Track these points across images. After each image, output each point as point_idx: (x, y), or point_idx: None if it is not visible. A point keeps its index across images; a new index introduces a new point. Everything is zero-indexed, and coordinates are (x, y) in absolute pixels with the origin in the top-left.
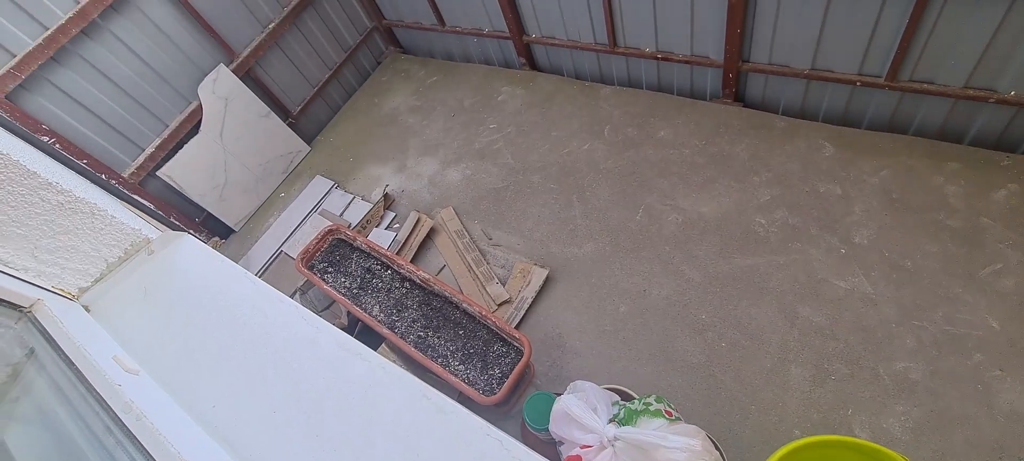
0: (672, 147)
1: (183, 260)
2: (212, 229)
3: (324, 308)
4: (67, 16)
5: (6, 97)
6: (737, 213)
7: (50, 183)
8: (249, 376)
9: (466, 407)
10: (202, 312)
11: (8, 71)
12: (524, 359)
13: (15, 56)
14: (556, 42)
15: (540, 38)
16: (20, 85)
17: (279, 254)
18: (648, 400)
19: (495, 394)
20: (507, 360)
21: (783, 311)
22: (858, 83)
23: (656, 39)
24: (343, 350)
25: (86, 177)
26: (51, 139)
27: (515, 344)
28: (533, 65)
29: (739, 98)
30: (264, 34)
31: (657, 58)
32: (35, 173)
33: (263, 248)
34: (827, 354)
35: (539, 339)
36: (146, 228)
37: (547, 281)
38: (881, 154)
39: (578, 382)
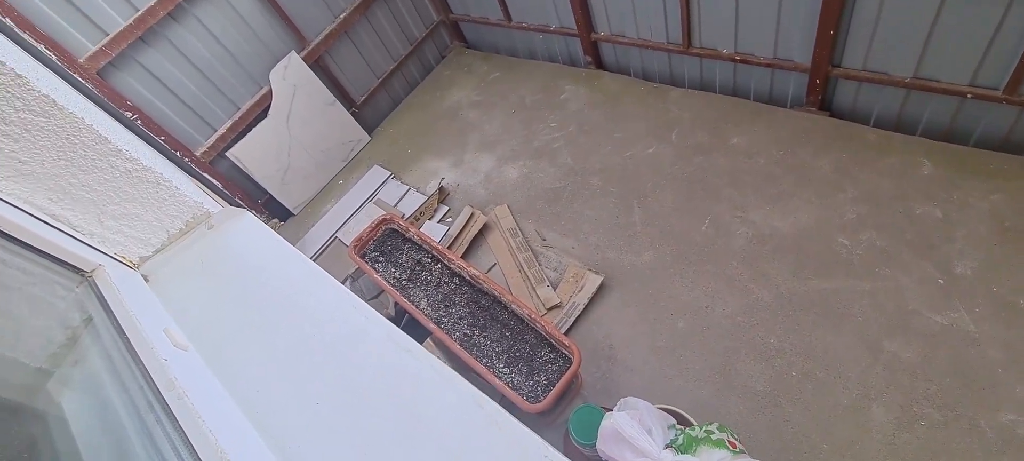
0: (746, 156)
1: (242, 237)
2: (272, 211)
3: (372, 297)
4: None
5: (97, 73)
6: (817, 231)
7: (120, 150)
8: (297, 362)
9: (508, 411)
10: (256, 290)
11: (100, 49)
12: (573, 368)
13: (107, 35)
14: (625, 40)
15: (609, 36)
16: (110, 62)
17: (334, 240)
18: (710, 427)
19: (540, 402)
20: (554, 367)
21: (866, 343)
22: (969, 95)
23: (735, 39)
24: (393, 345)
25: (162, 153)
26: (134, 115)
27: (564, 351)
28: (599, 64)
29: (825, 106)
30: (335, 23)
31: (735, 60)
32: (106, 139)
33: (319, 233)
34: (916, 396)
35: (589, 348)
36: (208, 202)
37: (601, 288)
38: (992, 176)
39: (630, 399)
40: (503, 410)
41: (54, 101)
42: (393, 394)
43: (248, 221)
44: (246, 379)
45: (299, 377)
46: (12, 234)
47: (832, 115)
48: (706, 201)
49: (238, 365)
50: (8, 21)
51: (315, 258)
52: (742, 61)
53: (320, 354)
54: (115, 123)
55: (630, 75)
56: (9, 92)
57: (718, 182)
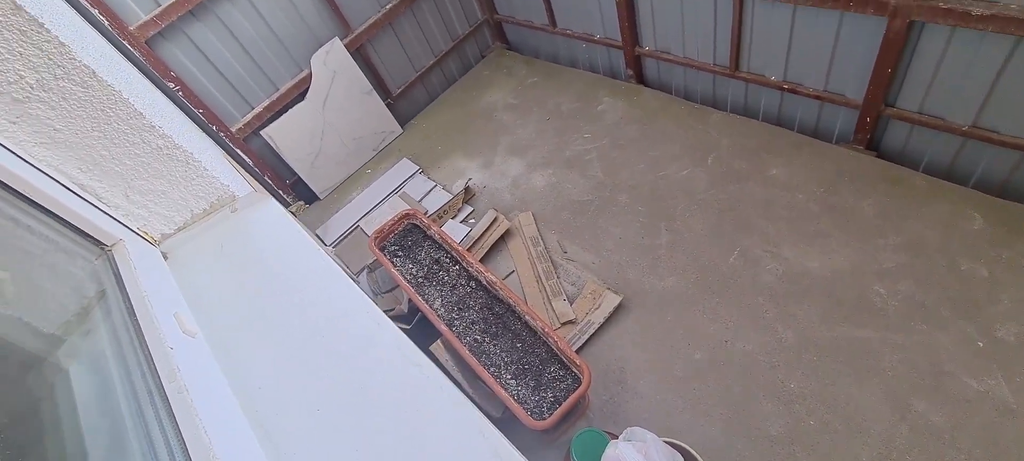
0: (784, 189)
1: (263, 223)
2: (299, 193)
3: (388, 290)
4: None
5: (145, 42)
6: (851, 275)
7: (154, 126)
8: (302, 361)
9: (511, 424)
10: (270, 281)
11: (151, 18)
12: (581, 389)
13: (160, 5)
14: (670, 57)
15: (653, 51)
16: (159, 32)
17: (355, 228)
18: None
19: (544, 419)
20: (562, 385)
21: (892, 400)
22: None
23: (785, 68)
24: (401, 355)
25: (199, 126)
26: (176, 86)
27: (573, 369)
28: (640, 78)
29: (873, 146)
30: (380, 13)
31: (783, 88)
32: (141, 114)
33: (342, 219)
34: None
35: (599, 369)
36: (235, 185)
37: (618, 308)
38: None
39: (636, 429)
40: (506, 441)
41: (94, 72)
42: (395, 409)
43: (271, 208)
44: (250, 373)
45: (302, 378)
46: (38, 200)
47: (880, 156)
48: (737, 231)
49: (244, 357)
50: None
51: (336, 244)
52: (790, 90)
53: (325, 356)
54: (152, 98)
55: (671, 93)
56: (51, 59)
57: (752, 213)
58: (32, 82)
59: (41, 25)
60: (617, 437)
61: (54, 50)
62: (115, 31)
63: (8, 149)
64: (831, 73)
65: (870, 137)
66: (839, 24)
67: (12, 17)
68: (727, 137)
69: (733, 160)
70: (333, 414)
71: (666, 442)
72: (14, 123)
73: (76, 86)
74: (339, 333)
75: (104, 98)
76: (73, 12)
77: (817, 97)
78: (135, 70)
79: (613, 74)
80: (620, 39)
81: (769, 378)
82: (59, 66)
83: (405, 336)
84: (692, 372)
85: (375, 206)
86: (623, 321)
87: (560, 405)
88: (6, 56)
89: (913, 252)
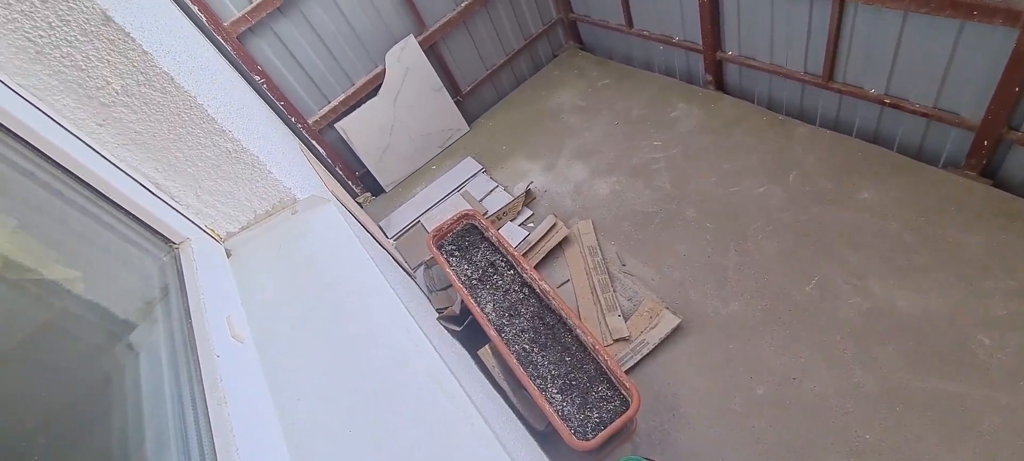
0: (876, 215)
1: (320, 228)
2: (367, 185)
3: (442, 288)
4: None
5: (237, 37)
6: (950, 320)
7: (224, 131)
8: (340, 375)
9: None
10: (321, 287)
11: (243, 15)
12: (629, 414)
13: (252, 3)
14: (755, 64)
15: (736, 56)
16: (249, 29)
17: (417, 223)
18: None
19: (588, 440)
20: (609, 407)
21: None
22: None
23: (888, 80)
24: (434, 383)
25: (280, 117)
26: (262, 79)
27: (622, 391)
28: (720, 85)
29: (988, 173)
30: (456, 12)
31: (883, 103)
32: (213, 119)
33: (405, 213)
34: None
35: (651, 392)
36: (297, 188)
37: (676, 330)
38: None
39: None
40: None
41: (173, 79)
42: (424, 438)
43: (328, 213)
44: (290, 382)
45: (337, 393)
46: (118, 200)
47: (996, 185)
48: (816, 258)
49: (288, 362)
50: None
51: (397, 238)
52: (892, 105)
53: (361, 375)
54: (226, 101)
55: (753, 102)
56: (135, 66)
57: (835, 240)
58: (117, 88)
59: (128, 35)
60: None
61: (139, 58)
62: (211, 27)
63: (95, 150)
64: (944, 88)
65: (986, 163)
66: (958, 35)
67: (103, 28)
68: (813, 153)
69: (818, 179)
70: (364, 435)
71: None
72: (101, 125)
73: (156, 92)
74: (377, 350)
75: (180, 103)
76: (176, 7)
77: (924, 114)
78: (223, 68)
79: (690, 79)
80: (701, 42)
81: (841, 425)
82: (141, 73)
83: (441, 363)
84: (752, 408)
85: (437, 203)
86: (680, 344)
87: (605, 427)
88: (96, 64)
89: None
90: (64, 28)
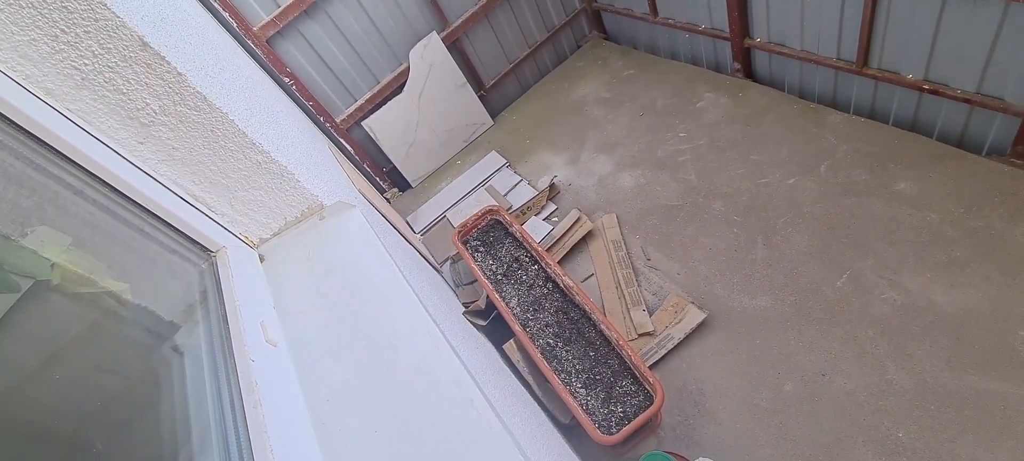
0: (912, 206)
1: (346, 234)
2: (394, 180)
3: (468, 283)
4: None
5: (266, 41)
6: (991, 316)
7: (255, 144)
8: (366, 379)
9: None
10: (347, 292)
11: (271, 19)
12: (653, 408)
13: (279, 6)
14: (784, 50)
15: (765, 43)
16: (277, 32)
17: (442, 218)
18: None
19: (612, 435)
20: (633, 401)
21: None
22: None
23: (927, 65)
24: (458, 389)
25: (309, 117)
26: (291, 81)
27: (646, 386)
28: (748, 73)
29: None
30: (477, 7)
31: (922, 89)
32: (244, 133)
33: (432, 209)
34: None
35: (675, 387)
36: (325, 194)
37: (701, 325)
38: None
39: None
40: None
41: (205, 97)
42: (445, 442)
43: (355, 218)
44: (320, 383)
45: (364, 395)
46: (159, 213)
47: None
48: (848, 252)
49: (318, 364)
50: None
51: (424, 233)
52: (931, 91)
53: (385, 378)
54: (254, 114)
55: (783, 90)
56: (171, 88)
57: (869, 232)
58: (156, 108)
59: (163, 58)
60: None
61: (174, 80)
62: (241, 31)
63: (137, 167)
64: (987, 73)
65: None
66: (1003, 16)
67: (140, 53)
68: (846, 142)
69: (851, 169)
70: (389, 436)
71: None
72: (142, 143)
73: (191, 110)
74: (401, 355)
75: (214, 120)
76: (208, 13)
77: (966, 101)
78: (254, 74)
79: (717, 67)
80: (728, 29)
81: (872, 423)
82: (177, 93)
83: (463, 368)
84: (780, 404)
85: (462, 197)
86: (706, 339)
87: (629, 421)
88: (135, 87)
89: None
90: (106, 56)
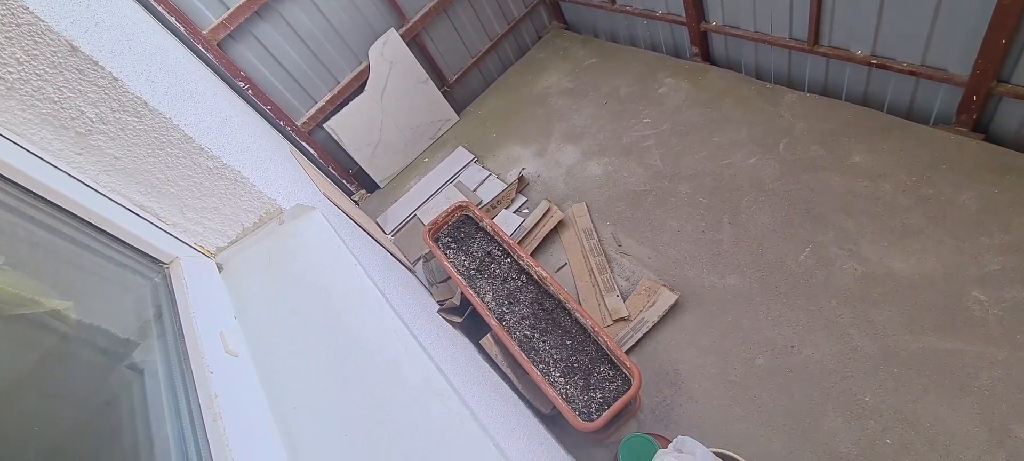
0: (867, 178)
1: (308, 237)
2: (361, 182)
3: (441, 280)
4: None
5: (217, 44)
6: (946, 279)
7: (203, 149)
8: (333, 382)
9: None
10: (311, 295)
11: (221, 22)
12: (631, 392)
13: (228, 9)
14: (739, 33)
15: (721, 26)
16: (228, 35)
17: (413, 217)
18: None
19: (593, 421)
20: (612, 386)
21: (988, 422)
22: None
23: (874, 40)
24: (428, 386)
25: (268, 121)
26: (246, 85)
27: (623, 371)
28: (706, 56)
29: (980, 128)
30: (435, 1)
31: (870, 64)
32: (190, 138)
33: (401, 209)
34: None
35: (652, 369)
36: (283, 198)
37: (674, 307)
38: None
39: (686, 439)
40: None
41: (145, 102)
42: (418, 443)
43: (316, 221)
44: (286, 390)
45: (332, 400)
46: (104, 227)
47: (987, 139)
48: (810, 226)
49: (283, 372)
50: None
51: (395, 233)
52: (879, 66)
53: (354, 381)
54: (203, 118)
55: (740, 72)
56: (107, 94)
57: (828, 206)
58: (92, 116)
59: (96, 63)
60: (668, 441)
61: (108, 85)
62: (190, 35)
63: (77, 179)
64: (930, 45)
65: (976, 118)
66: None
67: (70, 58)
68: (803, 120)
69: (809, 146)
70: (358, 438)
71: (719, 453)
72: (79, 154)
73: (130, 116)
74: (369, 355)
75: (156, 125)
76: (153, 19)
77: (912, 73)
78: (205, 79)
79: (676, 53)
80: (684, 14)
81: (840, 390)
82: (115, 100)
83: (433, 366)
84: (752, 378)
85: (432, 195)
86: (679, 320)
87: (609, 407)
88: (68, 94)
89: (1023, 254)
90: (32, 63)
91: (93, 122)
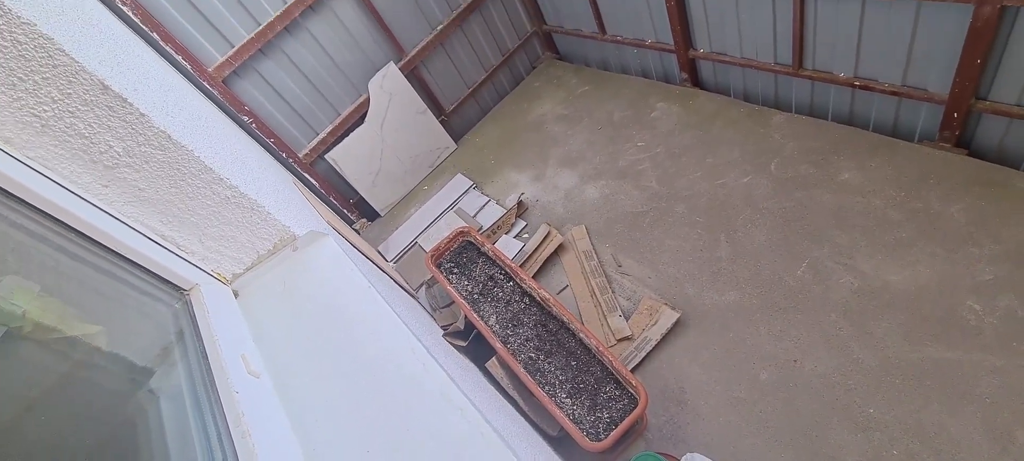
0: (858, 194)
1: (321, 262)
2: (362, 211)
3: (445, 305)
4: (276, 13)
5: (222, 81)
6: (939, 290)
7: (222, 179)
8: (355, 400)
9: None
10: (327, 318)
11: (226, 60)
12: (638, 410)
13: (233, 47)
14: (726, 59)
15: (708, 53)
16: (233, 71)
17: (414, 244)
18: None
19: (601, 441)
20: (618, 405)
21: (991, 429)
22: None
23: (856, 63)
24: (446, 401)
25: (271, 154)
26: (250, 119)
27: (630, 390)
28: (696, 81)
29: (963, 143)
30: (432, 35)
31: (854, 85)
32: (211, 169)
33: (402, 236)
34: None
35: (657, 388)
36: (296, 225)
37: (676, 325)
38: None
39: (696, 456)
40: None
41: (169, 135)
42: (439, 455)
43: (328, 246)
44: (308, 409)
45: (354, 416)
46: (129, 255)
47: (971, 154)
48: (805, 242)
49: (303, 392)
50: (155, 35)
51: (397, 260)
52: (862, 87)
53: (375, 397)
54: (220, 149)
55: (729, 95)
56: (134, 128)
57: (821, 222)
58: (119, 150)
59: (125, 99)
60: (677, 460)
61: (136, 120)
62: (196, 73)
63: (103, 210)
64: (910, 67)
65: (959, 134)
66: (916, 14)
67: (102, 96)
68: (792, 140)
69: (799, 164)
70: (381, 455)
71: None
72: (106, 186)
73: (155, 149)
74: (388, 374)
75: (179, 157)
76: (162, 59)
77: (894, 93)
78: (213, 114)
79: (666, 79)
80: (672, 43)
81: (844, 402)
82: (141, 134)
83: (450, 380)
84: (757, 394)
85: (432, 222)
86: (682, 338)
87: (617, 426)
88: (98, 130)
89: (1014, 263)
90: (66, 101)
91: (120, 156)
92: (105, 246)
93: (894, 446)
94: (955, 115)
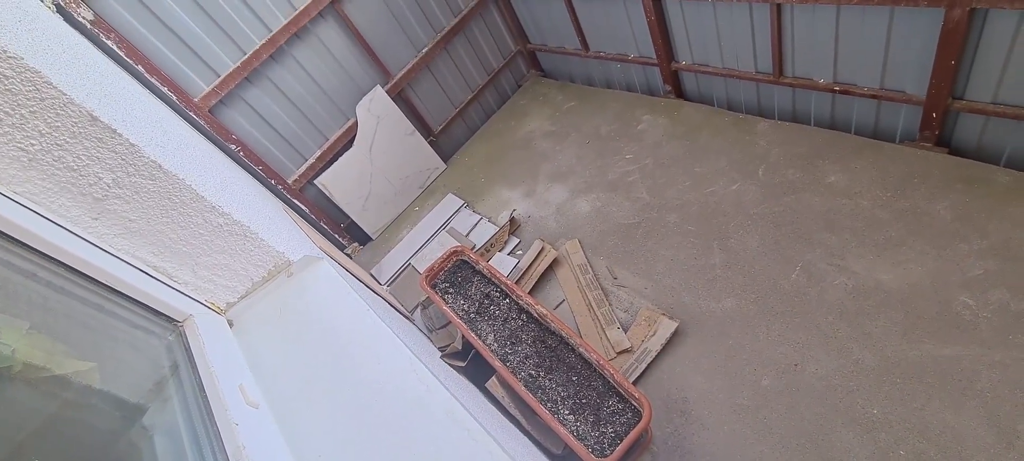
0: (845, 196)
1: (316, 287)
2: (353, 235)
3: (441, 326)
4: (261, 41)
5: (209, 110)
6: (933, 287)
7: (214, 207)
8: (357, 426)
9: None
10: (325, 343)
11: (212, 89)
12: (642, 424)
13: (219, 76)
14: (709, 70)
15: (691, 65)
16: (219, 101)
17: (407, 266)
18: None
19: (606, 456)
20: (622, 419)
21: (994, 424)
22: None
23: (834, 69)
24: (452, 420)
25: (259, 181)
26: (237, 147)
27: (633, 403)
28: (679, 93)
29: (943, 142)
30: (417, 58)
31: (834, 90)
32: (203, 197)
33: (395, 258)
34: None
35: (660, 399)
36: (290, 251)
37: (675, 334)
38: None
39: None
40: None
41: (160, 165)
42: None
43: (323, 271)
44: (309, 439)
45: (358, 445)
46: (120, 288)
47: (952, 152)
48: (797, 246)
49: (303, 423)
50: (140, 68)
51: (391, 283)
52: (842, 92)
53: (379, 421)
54: (211, 177)
55: (713, 105)
56: (124, 159)
57: (811, 225)
58: (109, 181)
59: (114, 130)
60: None
61: (126, 150)
62: (182, 104)
63: (93, 243)
64: (887, 70)
65: (938, 133)
66: (890, 20)
67: (90, 127)
68: (777, 146)
69: (786, 170)
70: None
71: None
72: (96, 219)
73: (145, 180)
74: (390, 396)
75: (170, 187)
76: (147, 91)
77: (873, 96)
78: (200, 143)
79: (651, 91)
80: (655, 56)
81: (847, 404)
82: (131, 164)
83: (454, 400)
84: (760, 400)
85: (425, 243)
86: (681, 347)
87: (622, 440)
88: (87, 162)
89: (1002, 257)
90: (54, 133)
91: (110, 187)
92: (96, 280)
93: (900, 446)
94: (934, 115)
